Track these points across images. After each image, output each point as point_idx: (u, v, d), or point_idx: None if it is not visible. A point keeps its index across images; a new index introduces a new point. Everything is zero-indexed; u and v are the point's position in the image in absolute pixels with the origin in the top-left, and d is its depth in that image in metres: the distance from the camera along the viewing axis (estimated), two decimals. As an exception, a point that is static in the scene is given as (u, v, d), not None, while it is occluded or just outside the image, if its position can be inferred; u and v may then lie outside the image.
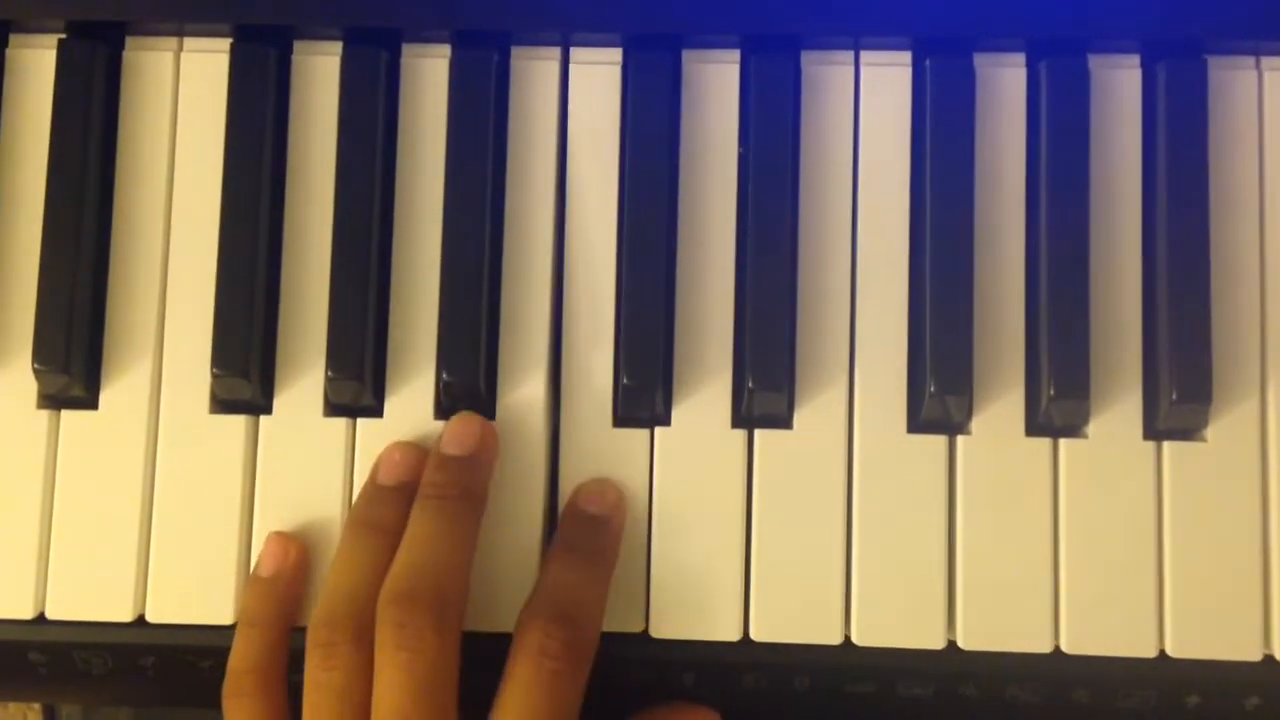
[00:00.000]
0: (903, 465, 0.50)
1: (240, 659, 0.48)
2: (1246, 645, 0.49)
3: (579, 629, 0.46)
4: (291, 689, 0.48)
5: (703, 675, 0.50)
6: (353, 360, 0.50)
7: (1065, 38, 0.51)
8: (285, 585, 0.49)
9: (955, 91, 0.50)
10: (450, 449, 0.49)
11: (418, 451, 0.50)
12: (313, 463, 0.50)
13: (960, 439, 0.50)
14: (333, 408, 0.51)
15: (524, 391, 0.50)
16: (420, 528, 0.48)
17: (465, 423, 0.49)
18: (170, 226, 0.52)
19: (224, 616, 0.50)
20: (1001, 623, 0.49)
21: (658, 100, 0.51)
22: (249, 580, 0.50)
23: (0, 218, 0.51)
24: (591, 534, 0.49)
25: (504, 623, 0.48)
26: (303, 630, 0.48)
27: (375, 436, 0.50)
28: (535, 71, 0.52)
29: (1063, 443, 0.50)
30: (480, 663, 0.46)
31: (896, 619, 0.49)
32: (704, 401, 0.50)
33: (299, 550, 0.49)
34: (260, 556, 0.50)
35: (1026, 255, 0.50)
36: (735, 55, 0.52)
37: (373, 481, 0.50)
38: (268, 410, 0.51)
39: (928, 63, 0.51)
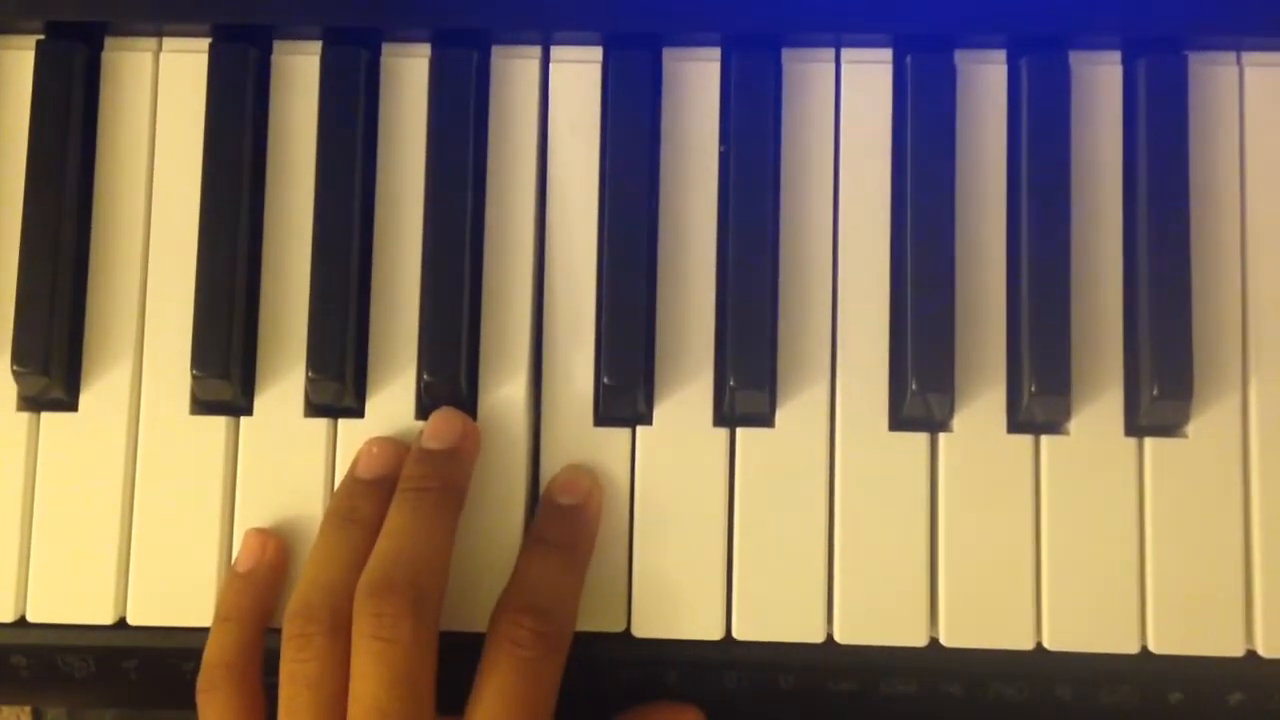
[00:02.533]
0: (884, 463, 0.50)
1: (215, 653, 0.48)
2: (1229, 641, 0.49)
3: (550, 618, 0.46)
4: (269, 690, 0.48)
5: (686, 674, 0.50)
6: (333, 361, 0.50)
7: (1046, 34, 0.51)
8: (262, 580, 0.49)
9: (936, 88, 0.50)
10: (430, 443, 0.49)
11: (397, 446, 0.50)
12: (294, 463, 0.50)
13: (942, 436, 0.50)
14: (314, 408, 0.51)
15: (505, 391, 0.50)
16: (398, 520, 0.48)
17: (446, 418, 0.49)
18: (150, 227, 0.51)
19: (206, 618, 0.49)
20: (984, 620, 0.49)
21: (638, 98, 0.51)
22: (226, 575, 0.50)
23: (-21, 219, 0.51)
24: (563, 524, 0.49)
25: (485, 622, 0.48)
26: (280, 631, 0.47)
27: (356, 437, 0.50)
28: (515, 70, 0.52)
29: (1044, 439, 0.50)
30: (462, 662, 0.46)
31: (879, 617, 0.49)
32: (686, 400, 0.50)
33: (276, 546, 0.49)
34: (238, 552, 0.50)
35: (1008, 252, 0.50)
36: (716, 53, 0.52)
37: (351, 475, 0.50)
38: (248, 411, 0.51)
39: (908, 60, 0.51)
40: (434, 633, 0.46)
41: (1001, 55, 0.51)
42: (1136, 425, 0.50)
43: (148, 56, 0.52)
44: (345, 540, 0.48)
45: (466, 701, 0.46)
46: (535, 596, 0.47)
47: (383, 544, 0.47)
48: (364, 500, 0.49)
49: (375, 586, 0.46)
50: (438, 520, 0.48)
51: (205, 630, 0.49)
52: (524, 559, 0.49)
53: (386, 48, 0.52)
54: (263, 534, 0.49)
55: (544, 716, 0.46)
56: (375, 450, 0.50)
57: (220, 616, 0.49)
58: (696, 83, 0.51)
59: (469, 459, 0.49)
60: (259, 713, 0.48)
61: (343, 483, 0.50)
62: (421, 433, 0.50)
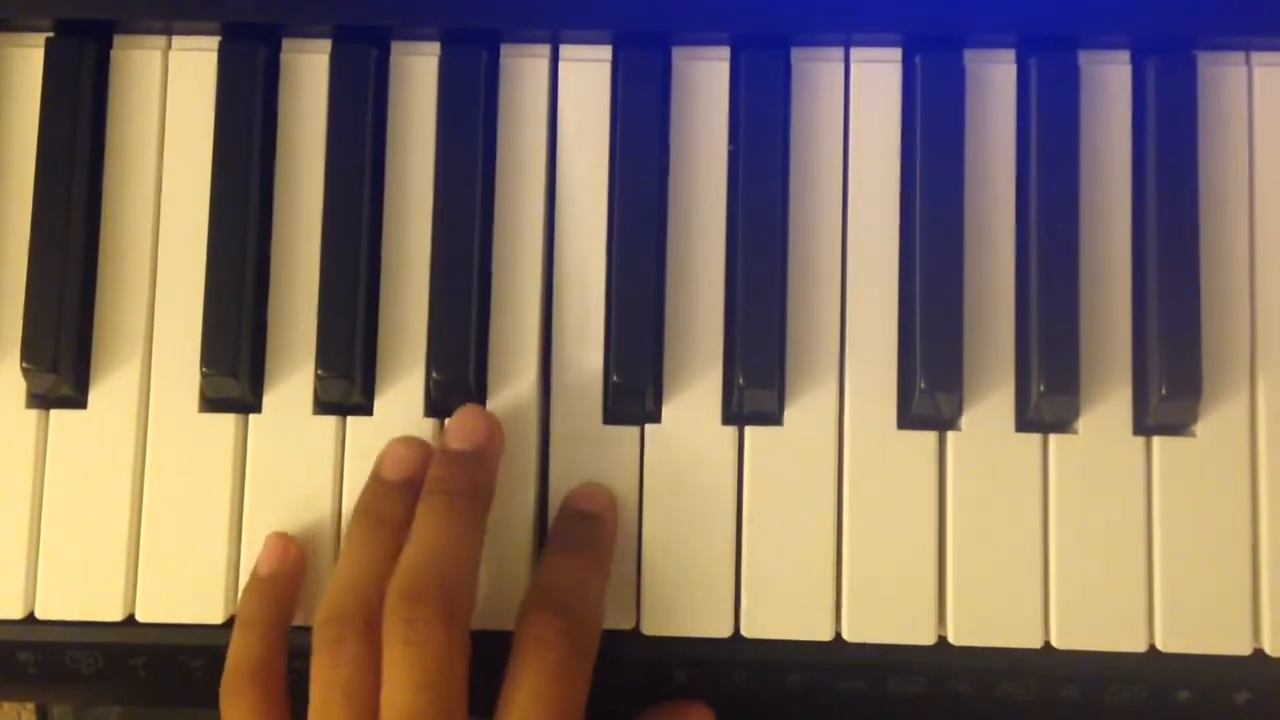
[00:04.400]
0: (893, 461, 0.50)
1: (238, 657, 0.48)
2: (1236, 639, 0.49)
3: (577, 618, 0.46)
4: (291, 684, 0.48)
5: (694, 672, 0.50)
6: (342, 358, 0.50)
7: (1055, 34, 0.51)
8: (284, 584, 0.49)
9: (945, 88, 0.50)
10: (456, 444, 0.49)
11: (421, 446, 0.50)
12: (303, 461, 0.50)
13: (950, 435, 0.50)
14: (322, 406, 0.51)
15: (514, 389, 0.50)
16: (426, 523, 0.47)
17: (471, 417, 0.49)
18: (159, 225, 0.51)
19: (214, 616, 0.50)
20: (992, 618, 0.49)
21: (647, 97, 0.51)
22: (249, 579, 0.49)
23: (-12, 216, 0.51)
24: (585, 529, 0.49)
25: (493, 620, 0.48)
26: (301, 629, 0.47)
27: (365, 435, 0.50)
28: (525, 69, 0.52)
29: (1053, 438, 0.50)
30: (473, 660, 0.46)
31: (887, 615, 0.49)
32: (694, 398, 0.50)
33: (298, 551, 0.49)
34: (260, 555, 0.49)
35: (1016, 251, 0.50)
36: (725, 52, 0.52)
37: (376, 477, 0.50)
38: (257, 409, 0.51)
39: (918, 59, 0.51)
40: (465, 635, 0.46)
41: (1011, 55, 0.51)
42: (1145, 425, 0.50)
43: (157, 55, 0.52)
44: (374, 543, 0.48)
45: (496, 702, 0.46)
46: (562, 596, 0.47)
47: (411, 549, 0.47)
48: (390, 502, 0.49)
49: (406, 591, 0.45)
50: (466, 522, 0.48)
51: (214, 628, 0.49)
52: (547, 561, 0.49)
53: (395, 46, 0.52)
54: (284, 538, 0.49)
55: (575, 719, 0.46)
56: (400, 451, 0.49)
57: (242, 622, 0.48)
58: (706, 82, 0.51)
59: (495, 458, 0.49)
60: (283, 716, 0.47)
61: (367, 485, 0.50)
62: (446, 432, 0.49)
